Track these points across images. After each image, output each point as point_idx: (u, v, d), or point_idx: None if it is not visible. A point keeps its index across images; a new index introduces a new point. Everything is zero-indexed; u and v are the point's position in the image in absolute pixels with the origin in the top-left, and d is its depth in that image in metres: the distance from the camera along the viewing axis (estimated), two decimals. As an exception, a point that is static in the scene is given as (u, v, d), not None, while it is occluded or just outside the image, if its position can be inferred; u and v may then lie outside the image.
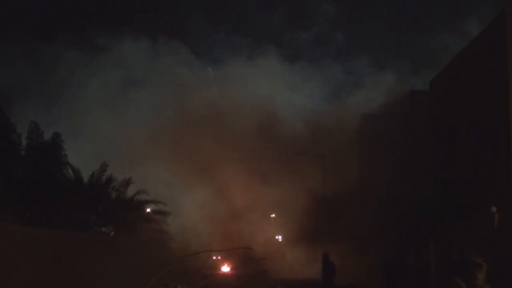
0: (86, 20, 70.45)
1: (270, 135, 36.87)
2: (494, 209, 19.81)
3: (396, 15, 77.56)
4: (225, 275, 34.99)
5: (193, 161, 35.79)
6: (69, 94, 41.55)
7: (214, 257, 37.50)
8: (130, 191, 26.32)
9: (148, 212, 28.41)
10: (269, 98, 39.72)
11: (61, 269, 16.42)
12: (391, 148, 31.74)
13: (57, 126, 27.22)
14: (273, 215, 42.92)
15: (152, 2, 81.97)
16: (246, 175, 35.63)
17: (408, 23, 77.37)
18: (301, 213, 35.03)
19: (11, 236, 15.29)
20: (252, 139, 36.29)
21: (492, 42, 22.42)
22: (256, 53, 44.39)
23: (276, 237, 44.23)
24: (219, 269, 39.21)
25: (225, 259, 40.51)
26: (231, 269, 39.70)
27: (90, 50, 40.57)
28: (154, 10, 77.19)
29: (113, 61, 41.62)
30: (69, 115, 38.21)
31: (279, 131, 37.56)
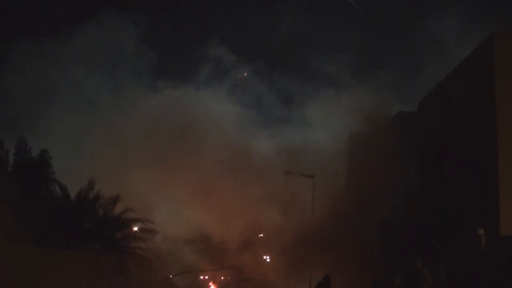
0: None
1: (255, 154, 36.82)
2: (481, 231, 19.83)
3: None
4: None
5: (180, 180, 35.51)
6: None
7: (202, 277, 37.18)
8: (118, 209, 26.11)
9: (136, 231, 28.13)
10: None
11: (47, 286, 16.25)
12: (379, 169, 31.76)
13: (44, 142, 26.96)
14: (261, 235, 42.68)
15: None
16: (233, 195, 35.42)
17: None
18: (291, 240, 34.87)
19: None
20: (237, 160, 36.11)
21: (480, 65, 22.65)
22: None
23: (264, 257, 43.95)
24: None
25: (212, 279, 40.16)
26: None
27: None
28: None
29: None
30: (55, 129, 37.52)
31: (264, 151, 37.55)
